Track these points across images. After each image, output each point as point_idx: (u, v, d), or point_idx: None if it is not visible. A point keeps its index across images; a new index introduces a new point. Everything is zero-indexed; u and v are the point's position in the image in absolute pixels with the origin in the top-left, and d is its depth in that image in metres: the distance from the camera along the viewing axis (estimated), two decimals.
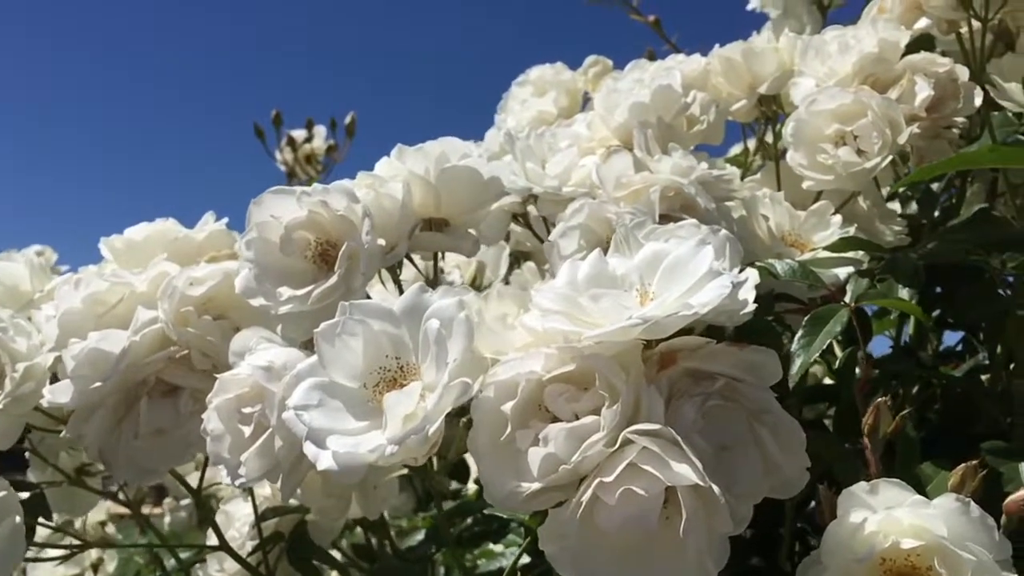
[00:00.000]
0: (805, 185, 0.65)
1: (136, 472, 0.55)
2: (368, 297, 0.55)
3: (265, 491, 0.74)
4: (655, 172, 0.60)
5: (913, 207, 0.90)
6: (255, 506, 0.71)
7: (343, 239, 0.49)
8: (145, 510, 1.28)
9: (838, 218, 0.66)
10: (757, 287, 0.63)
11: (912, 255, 0.69)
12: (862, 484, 0.44)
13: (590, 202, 0.58)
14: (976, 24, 0.69)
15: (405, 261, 0.67)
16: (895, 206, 0.94)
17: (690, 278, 0.43)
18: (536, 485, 0.39)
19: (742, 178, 0.84)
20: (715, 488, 0.37)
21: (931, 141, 0.63)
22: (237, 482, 0.46)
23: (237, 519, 0.77)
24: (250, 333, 0.49)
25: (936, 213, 0.88)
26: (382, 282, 0.59)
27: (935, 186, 0.85)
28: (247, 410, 0.46)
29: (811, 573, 0.43)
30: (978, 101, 0.65)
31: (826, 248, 0.64)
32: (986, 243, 0.62)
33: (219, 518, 0.81)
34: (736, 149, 0.97)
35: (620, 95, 0.66)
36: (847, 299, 0.58)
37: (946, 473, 0.66)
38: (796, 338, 0.54)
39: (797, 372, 0.53)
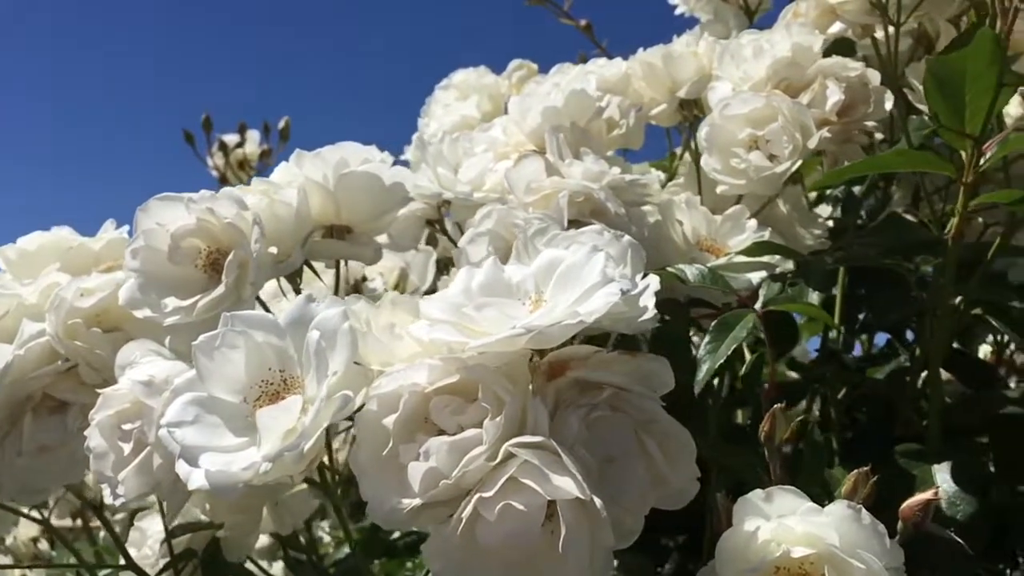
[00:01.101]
0: (719, 190, 0.65)
1: (22, 491, 0.52)
2: (268, 310, 0.53)
3: None
4: (566, 177, 0.59)
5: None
6: (165, 522, 0.68)
7: (233, 248, 0.47)
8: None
9: (753, 222, 0.65)
10: (672, 293, 0.63)
11: (827, 259, 0.69)
12: (757, 492, 0.43)
13: (499, 208, 0.57)
14: (892, 28, 0.70)
15: (322, 271, 0.65)
16: (825, 210, 0.95)
17: (581, 286, 0.42)
18: (417, 501, 0.38)
19: (668, 182, 0.83)
20: (597, 501, 0.36)
21: (842, 145, 0.63)
22: (117, 501, 0.44)
23: (150, 536, 0.75)
24: (135, 346, 0.47)
25: (863, 216, 0.89)
26: (283, 293, 0.57)
27: (857, 190, 0.85)
28: (127, 427, 0.44)
29: None
30: (889, 105, 0.65)
31: (740, 252, 0.63)
32: (895, 246, 0.62)
33: (133, 535, 0.79)
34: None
35: (534, 99, 0.65)
36: (758, 304, 0.58)
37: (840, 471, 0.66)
38: (703, 344, 0.54)
39: (703, 378, 0.53)
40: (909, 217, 0.72)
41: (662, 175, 0.84)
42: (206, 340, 0.41)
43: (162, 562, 0.73)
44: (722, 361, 0.52)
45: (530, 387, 0.40)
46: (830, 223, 0.91)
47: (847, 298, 0.83)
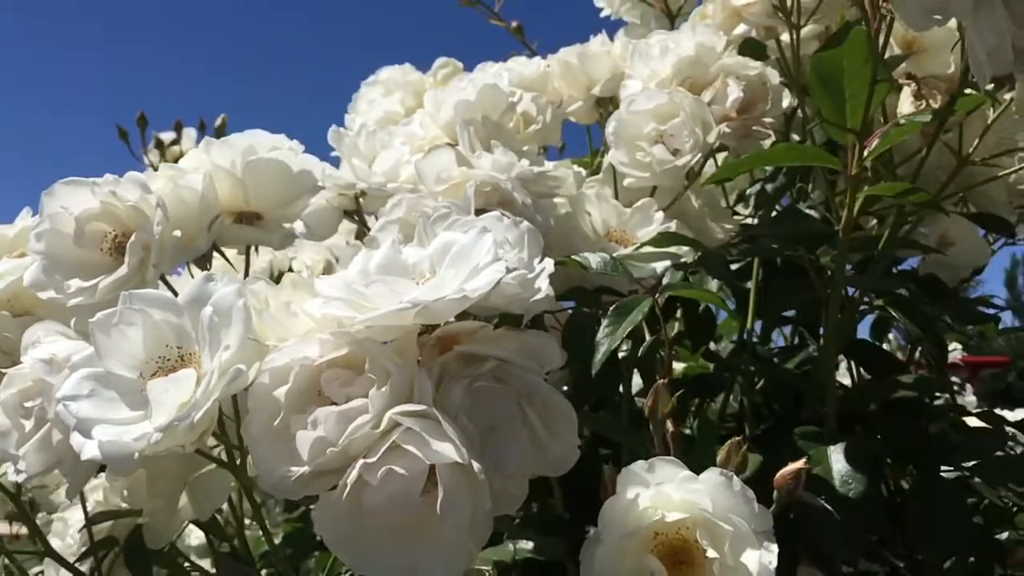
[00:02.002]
0: (626, 182, 0.68)
1: None
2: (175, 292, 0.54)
3: (97, 495, 0.72)
4: (475, 168, 0.61)
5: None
6: (85, 510, 0.69)
7: (136, 230, 0.48)
8: None
9: (660, 215, 0.68)
10: (582, 282, 0.65)
11: (733, 250, 0.72)
12: (640, 462, 0.46)
13: (408, 196, 0.59)
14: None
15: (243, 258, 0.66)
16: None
17: (470, 264, 0.44)
18: (306, 469, 0.40)
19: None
20: (475, 465, 0.38)
21: (742, 140, 0.66)
22: (19, 477, 0.45)
23: (71, 525, 0.75)
24: (40, 327, 0.48)
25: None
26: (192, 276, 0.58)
27: (769, 187, 0.89)
28: (29, 404, 0.45)
29: (591, 550, 0.45)
30: (786, 103, 0.68)
31: (647, 243, 0.66)
32: (793, 238, 0.65)
33: (57, 525, 0.79)
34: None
35: (448, 93, 0.67)
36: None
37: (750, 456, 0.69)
38: (601, 327, 0.56)
39: (600, 359, 0.55)
40: (813, 213, 0.75)
41: (583, 171, 0.86)
42: (104, 317, 0.42)
43: (83, 550, 0.73)
44: (618, 343, 0.55)
45: (418, 361, 0.42)
46: (752, 220, 0.95)
47: (761, 291, 0.87)
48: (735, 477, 0.44)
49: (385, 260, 0.46)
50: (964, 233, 0.93)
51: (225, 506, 0.79)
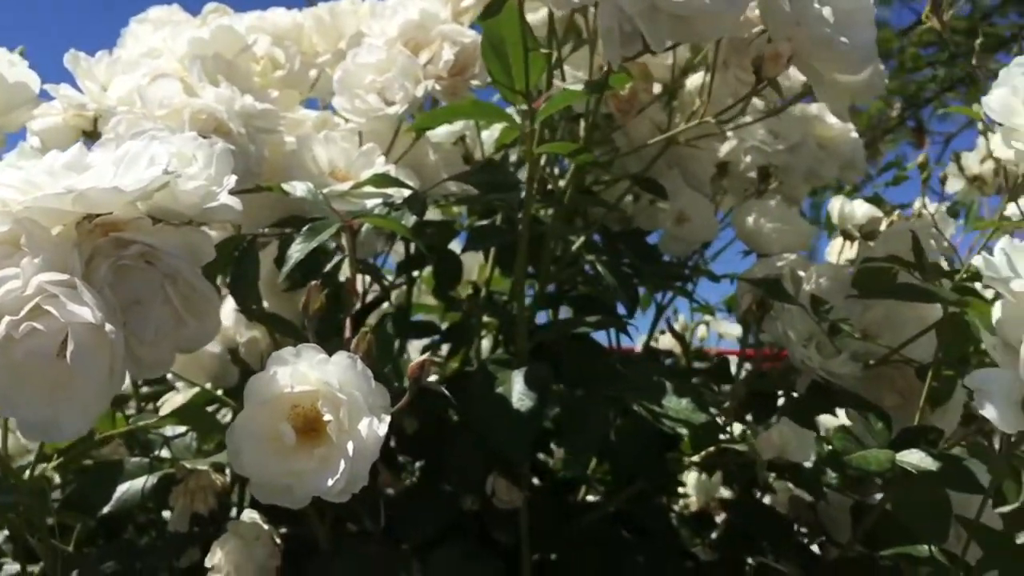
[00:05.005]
0: (346, 126, 0.76)
1: None
2: None
3: None
4: (199, 98, 0.68)
5: None
6: None
7: None
8: None
9: (382, 159, 0.77)
10: (300, 212, 0.73)
11: (451, 198, 0.82)
12: (290, 348, 0.54)
13: (128, 117, 0.65)
14: None
15: None
16: None
17: (136, 167, 0.50)
18: None
19: None
20: (107, 327, 0.45)
21: (451, 98, 0.75)
22: None
23: None
24: None
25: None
26: None
27: (512, 159, 0.99)
28: None
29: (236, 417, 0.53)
30: None
31: (364, 183, 0.74)
32: (485, 186, 0.75)
33: None
34: None
35: (185, 28, 0.73)
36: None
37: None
38: (294, 243, 0.64)
39: (287, 269, 0.63)
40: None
41: (342, 122, 0.94)
42: None
43: None
44: (302, 257, 0.63)
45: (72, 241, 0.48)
46: None
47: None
48: (359, 359, 0.53)
49: (71, 160, 0.52)
50: (699, 212, 1.07)
51: None
